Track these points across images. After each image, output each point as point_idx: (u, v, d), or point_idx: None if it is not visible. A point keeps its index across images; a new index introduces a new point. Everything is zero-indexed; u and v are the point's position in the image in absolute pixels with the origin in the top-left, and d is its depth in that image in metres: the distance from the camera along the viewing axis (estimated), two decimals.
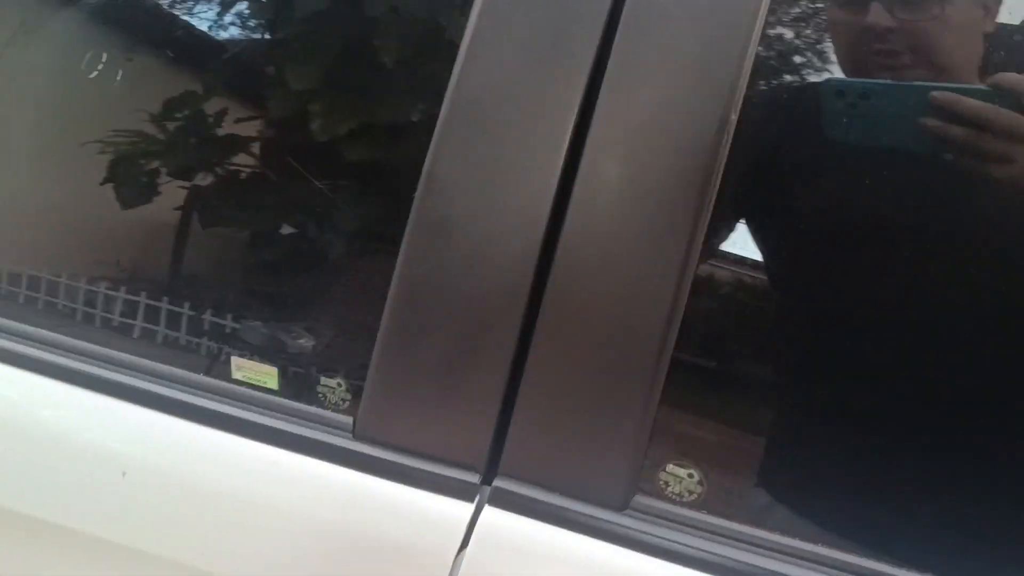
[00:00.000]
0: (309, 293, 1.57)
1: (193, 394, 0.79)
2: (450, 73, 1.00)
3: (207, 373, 1.55)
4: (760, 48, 0.70)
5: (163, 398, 0.78)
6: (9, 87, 1.60)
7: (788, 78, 0.96)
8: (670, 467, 0.73)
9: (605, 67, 0.68)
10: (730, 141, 0.65)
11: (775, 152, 0.83)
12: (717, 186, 0.65)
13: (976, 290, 0.76)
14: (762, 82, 0.94)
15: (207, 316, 1.54)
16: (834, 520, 0.79)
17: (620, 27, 0.67)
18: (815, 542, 0.66)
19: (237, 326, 1.52)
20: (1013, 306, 0.74)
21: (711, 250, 0.79)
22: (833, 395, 0.82)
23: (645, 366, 0.66)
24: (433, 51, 1.37)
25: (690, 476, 0.72)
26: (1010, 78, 0.66)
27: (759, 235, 0.82)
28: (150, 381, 0.80)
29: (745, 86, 0.66)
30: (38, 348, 0.85)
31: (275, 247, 1.54)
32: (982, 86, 0.67)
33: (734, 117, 0.63)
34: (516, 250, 0.67)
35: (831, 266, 0.81)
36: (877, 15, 0.73)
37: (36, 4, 1.58)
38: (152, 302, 1.52)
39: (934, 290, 0.77)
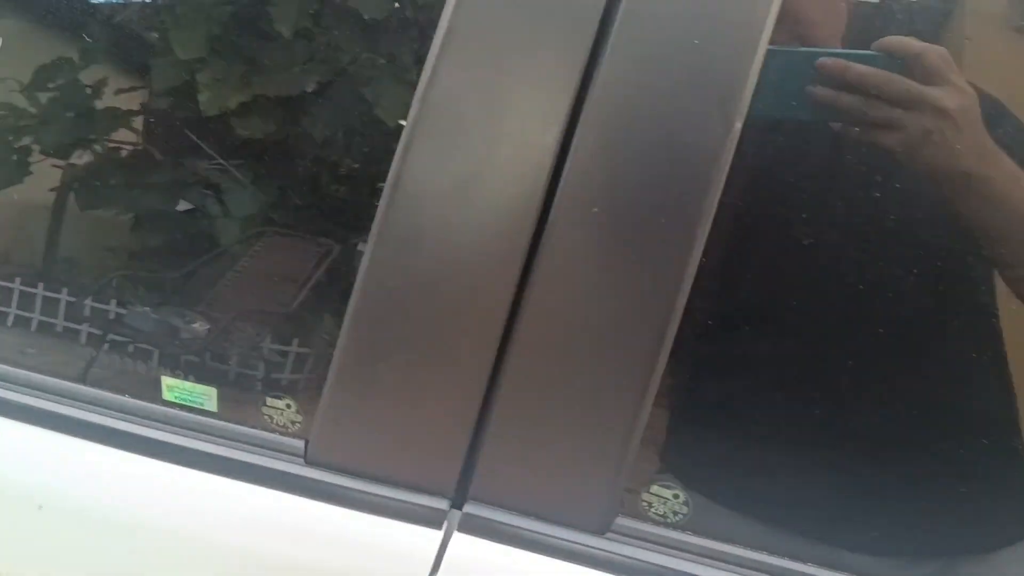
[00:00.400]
0: (201, 277, 1.48)
1: (117, 418, 0.71)
2: (348, 44, 0.95)
3: (88, 369, 1.44)
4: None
5: (81, 422, 0.70)
6: None
7: None
8: (654, 487, 0.71)
9: (599, 63, 0.63)
10: (733, 149, 0.62)
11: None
12: (721, 185, 0.61)
13: (868, 261, 0.76)
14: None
15: (88, 302, 1.43)
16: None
17: (618, 17, 0.62)
18: (814, 563, 0.66)
19: (123, 312, 1.42)
20: (907, 278, 0.75)
21: None
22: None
23: (629, 382, 0.63)
24: (335, 18, 1.30)
25: (675, 496, 0.70)
26: (898, 41, 0.65)
27: None
28: (64, 404, 0.71)
29: (751, 94, 0.62)
30: None
31: (163, 231, 1.44)
32: (871, 51, 0.65)
33: (739, 125, 0.61)
34: (493, 264, 0.63)
35: (719, 247, 0.81)
36: None
37: None
38: (27, 288, 1.40)
39: (825, 266, 0.78)
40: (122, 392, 0.73)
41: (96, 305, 1.39)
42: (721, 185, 0.61)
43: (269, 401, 0.75)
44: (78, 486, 0.69)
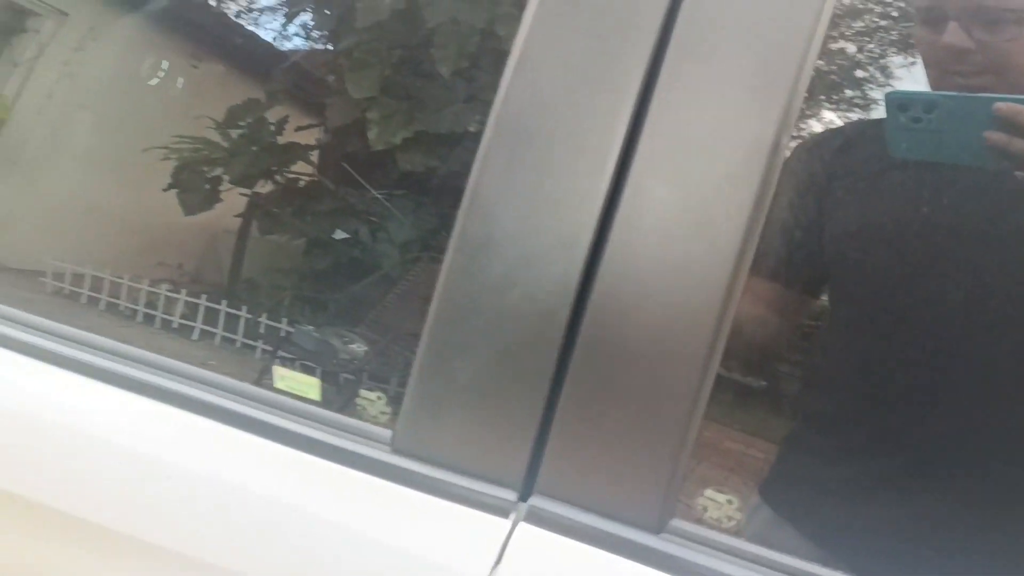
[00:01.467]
0: (362, 300, 1.59)
1: (238, 401, 0.79)
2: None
3: (260, 376, 1.58)
4: (817, 66, 0.69)
5: (207, 404, 0.79)
6: (75, 92, 1.65)
7: (846, 96, 0.95)
8: (709, 492, 0.71)
9: (654, 86, 0.67)
10: (780, 164, 0.64)
11: (831, 172, 0.81)
12: (765, 209, 0.63)
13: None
14: (817, 102, 0.92)
15: (263, 320, 1.57)
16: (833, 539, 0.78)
17: (671, 45, 0.66)
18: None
19: (291, 330, 1.55)
20: None
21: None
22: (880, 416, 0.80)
23: (685, 388, 0.65)
24: (492, 62, 1.37)
25: (729, 502, 0.70)
26: None
27: (813, 256, 0.81)
28: (196, 387, 0.81)
29: (799, 108, 0.64)
30: (91, 352, 0.86)
31: (330, 254, 1.56)
32: None
33: (785, 140, 0.62)
34: (558, 270, 0.67)
35: (891, 285, 0.79)
36: (954, 35, 0.71)
37: (107, 11, 1.63)
38: (212, 304, 1.55)
39: (996, 309, 0.75)
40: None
41: (269, 323, 1.52)
42: (767, 200, 0.62)
43: (363, 393, 0.81)
44: (201, 458, 0.78)
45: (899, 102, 0.69)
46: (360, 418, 0.80)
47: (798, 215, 0.81)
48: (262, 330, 1.59)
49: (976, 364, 0.75)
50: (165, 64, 1.32)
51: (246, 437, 0.77)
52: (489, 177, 0.69)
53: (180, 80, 1.35)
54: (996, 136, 0.64)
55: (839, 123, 0.86)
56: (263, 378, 1.50)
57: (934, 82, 0.74)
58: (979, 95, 0.67)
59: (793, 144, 0.78)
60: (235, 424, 0.78)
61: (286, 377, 0.84)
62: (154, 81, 1.35)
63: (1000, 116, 0.64)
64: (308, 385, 0.83)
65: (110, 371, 0.82)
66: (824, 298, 0.84)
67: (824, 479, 0.81)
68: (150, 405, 0.79)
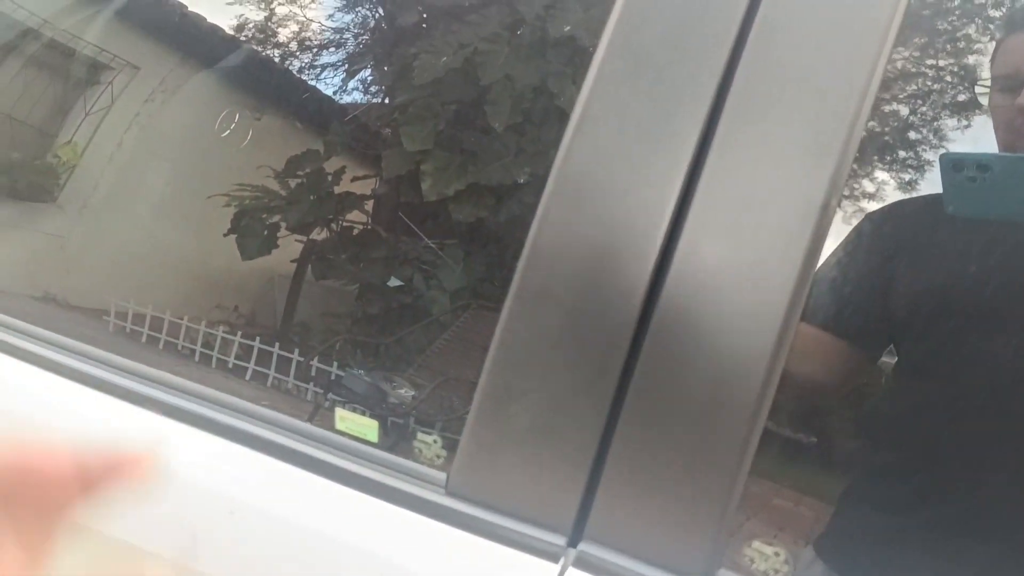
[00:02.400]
0: (411, 346, 1.62)
1: (298, 440, 0.83)
2: (554, 138, 1.04)
3: (311, 418, 1.62)
4: (868, 128, 0.72)
5: (271, 443, 0.82)
6: (143, 140, 1.72)
7: (897, 157, 0.97)
8: (756, 543, 0.73)
9: (710, 146, 0.70)
10: (831, 223, 0.66)
11: (904, 234, 0.84)
12: (815, 267, 0.66)
13: None
14: (869, 165, 0.95)
15: (314, 363, 1.61)
16: None
17: (725, 110, 0.69)
18: None
19: (341, 373, 1.59)
20: None
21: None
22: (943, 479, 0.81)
23: (734, 440, 0.67)
24: (542, 118, 1.42)
25: (776, 555, 0.72)
26: None
27: (880, 315, 0.83)
28: (259, 425, 0.84)
29: (848, 170, 0.67)
30: (151, 386, 0.91)
31: (382, 300, 1.60)
32: None
33: (835, 202, 0.65)
34: (614, 321, 0.70)
35: (957, 342, 0.81)
36: None
37: (177, 66, 1.70)
38: (265, 347, 1.60)
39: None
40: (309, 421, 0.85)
41: (320, 365, 1.56)
42: (817, 258, 0.65)
43: (420, 436, 0.84)
44: (263, 496, 0.81)
45: (953, 162, 0.72)
46: (416, 460, 0.83)
47: (868, 275, 0.84)
48: (313, 372, 1.62)
49: None
50: (236, 116, 1.38)
51: (307, 476, 0.81)
52: (549, 229, 0.72)
53: (250, 132, 1.41)
54: None
55: (890, 183, 0.89)
56: (313, 418, 1.54)
57: (1005, 144, 0.76)
58: None
59: (845, 203, 0.81)
60: (298, 464, 0.81)
61: (346, 419, 0.87)
62: (226, 133, 1.41)
63: None
64: (367, 427, 0.87)
65: (180, 408, 0.86)
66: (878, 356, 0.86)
67: (881, 533, 0.82)
68: (219, 443, 0.83)
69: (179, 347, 1.62)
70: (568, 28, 1.34)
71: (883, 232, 0.83)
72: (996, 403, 0.78)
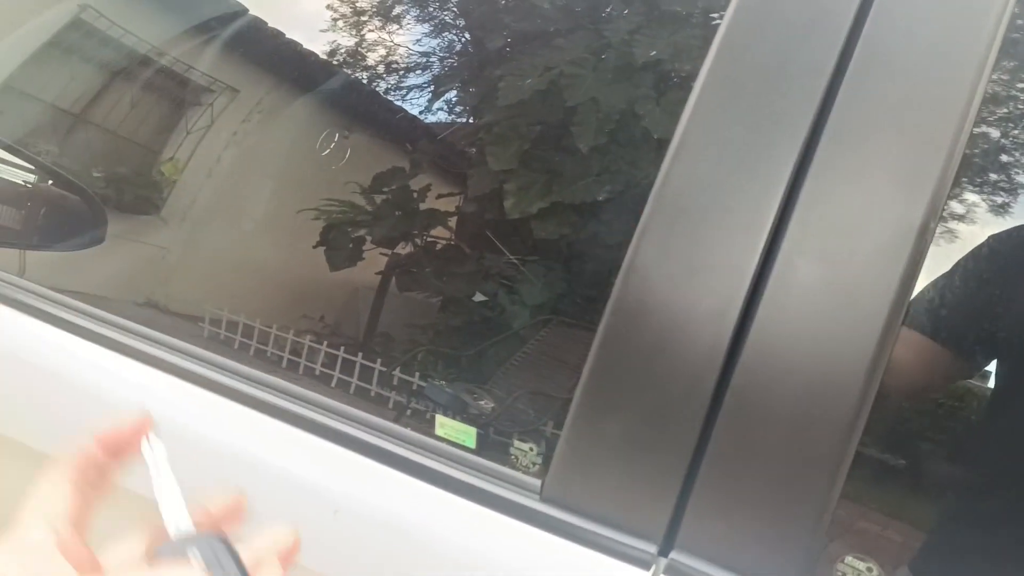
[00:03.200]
0: (492, 359, 1.66)
1: (399, 445, 0.87)
2: (636, 159, 1.09)
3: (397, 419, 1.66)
4: (968, 154, 0.73)
5: (374, 447, 0.87)
6: (241, 158, 1.79)
7: (991, 179, 0.98)
8: (849, 559, 0.75)
9: (807, 169, 0.73)
10: (928, 247, 0.68)
11: (1006, 251, 0.85)
12: (911, 293, 0.68)
13: None
14: (967, 189, 0.96)
15: (397, 373, 1.65)
16: None
17: (823, 137, 0.72)
18: None
19: (424, 384, 1.63)
20: None
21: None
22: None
23: (828, 458, 0.69)
24: (626, 140, 1.45)
25: (869, 570, 0.73)
26: None
27: (985, 338, 0.85)
28: (364, 430, 0.89)
29: (947, 194, 0.69)
30: (251, 386, 0.96)
31: (464, 314, 1.64)
32: None
33: (933, 225, 0.67)
34: (708, 338, 0.73)
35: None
36: None
37: (273, 88, 1.78)
38: (349, 356, 1.65)
39: None
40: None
41: (402, 376, 1.61)
42: (914, 281, 0.67)
43: (517, 443, 0.88)
44: (367, 497, 0.85)
45: None
46: (513, 467, 0.86)
47: (981, 292, 0.85)
48: (395, 382, 1.67)
49: None
50: (336, 136, 1.44)
51: (409, 480, 0.85)
52: (647, 248, 0.75)
53: (347, 151, 1.47)
54: None
55: (986, 206, 0.90)
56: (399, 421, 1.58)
57: None
58: None
59: (941, 226, 0.82)
60: (400, 467, 0.85)
61: (446, 425, 0.91)
62: (326, 152, 1.47)
63: None
64: (465, 434, 0.91)
65: (283, 409, 0.91)
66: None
67: (977, 552, 0.83)
68: (324, 445, 0.88)
69: (268, 354, 1.69)
70: (654, 53, 1.37)
71: (1003, 252, 0.85)
72: None
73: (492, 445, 0.99)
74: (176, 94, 1.76)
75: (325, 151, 1.52)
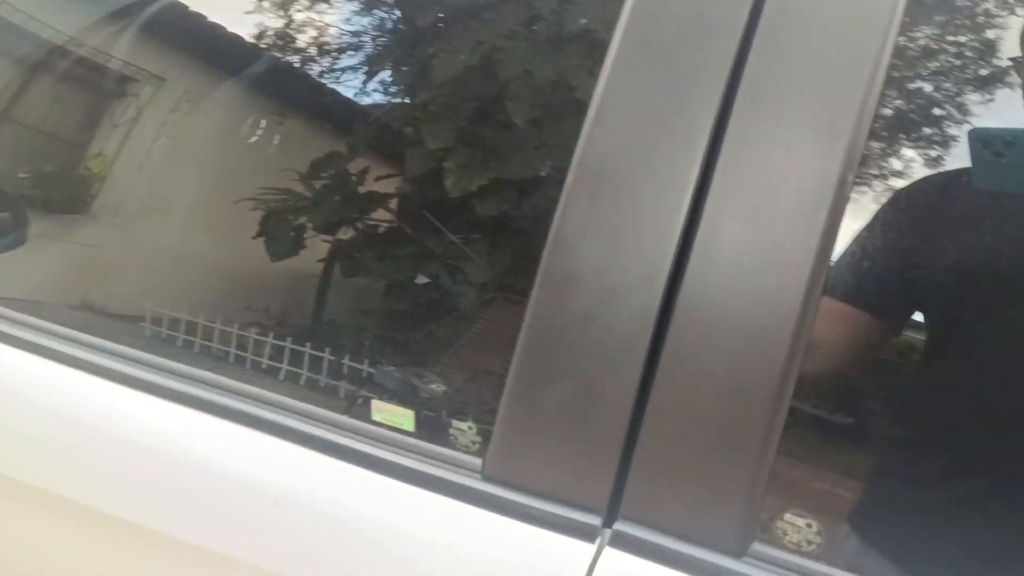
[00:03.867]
0: (441, 340, 1.64)
1: (338, 433, 0.86)
2: (573, 131, 1.07)
3: (347, 412, 1.64)
4: (882, 107, 0.73)
5: (312, 436, 0.85)
6: (170, 149, 1.75)
7: (911, 135, 0.98)
8: (788, 516, 0.74)
9: (725, 129, 0.72)
10: (848, 199, 0.68)
11: (913, 204, 0.85)
12: (834, 246, 0.68)
13: None
14: (884, 141, 0.96)
15: (346, 361, 1.63)
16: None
17: (740, 91, 0.71)
18: None
19: (373, 371, 1.61)
20: None
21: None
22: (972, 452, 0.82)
23: (762, 414, 0.69)
24: (562, 111, 1.44)
25: (808, 526, 0.73)
26: None
27: (906, 289, 0.84)
28: (300, 420, 0.87)
29: (863, 145, 0.69)
30: (194, 385, 0.94)
31: (409, 297, 1.62)
32: None
33: (851, 177, 0.67)
34: (638, 304, 0.72)
35: (984, 313, 0.82)
36: None
37: (200, 75, 1.74)
38: (296, 347, 1.63)
39: None
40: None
41: (351, 364, 1.59)
42: (835, 235, 0.66)
43: (455, 423, 0.87)
44: (307, 487, 0.84)
45: (981, 138, 0.73)
46: (453, 447, 0.85)
47: (895, 248, 0.85)
48: (344, 371, 1.65)
49: None
50: (263, 123, 1.41)
51: (348, 467, 0.83)
52: (572, 217, 0.74)
53: (276, 137, 1.44)
54: None
55: (903, 159, 0.90)
56: (348, 412, 1.55)
57: None
58: None
59: (860, 180, 0.82)
60: (338, 455, 0.84)
61: (383, 410, 0.90)
62: (253, 139, 1.44)
63: None
64: (403, 417, 0.89)
65: (221, 405, 0.89)
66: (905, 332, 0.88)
67: (912, 504, 0.83)
68: (261, 438, 0.86)
69: (213, 350, 1.66)
70: (584, 21, 1.35)
71: (911, 205, 0.84)
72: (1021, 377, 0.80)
73: (433, 425, 0.97)
74: (100, 86, 1.72)
75: (252, 138, 1.48)
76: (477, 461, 0.80)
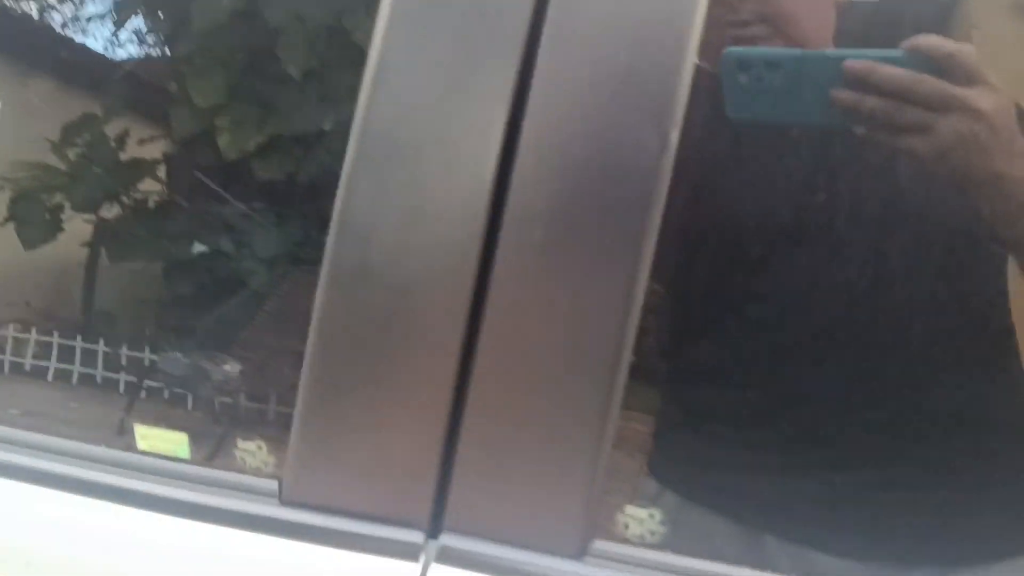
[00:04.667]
0: (231, 320, 1.50)
1: (93, 469, 0.72)
2: (356, 80, 0.94)
3: (128, 411, 1.48)
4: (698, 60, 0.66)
5: (60, 477, 0.71)
6: None
7: None
8: (629, 508, 0.69)
9: (529, 85, 0.63)
10: (672, 156, 0.61)
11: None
12: (660, 207, 0.61)
13: (895, 272, 0.73)
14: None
15: (123, 351, 1.46)
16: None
17: (543, 40, 0.62)
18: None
19: (155, 358, 1.45)
20: (932, 287, 0.72)
21: None
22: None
23: (593, 404, 0.62)
24: (343, 57, 1.31)
25: (651, 516, 0.68)
26: (929, 41, 0.61)
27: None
28: (39, 457, 0.73)
29: (685, 100, 0.61)
30: None
31: (192, 276, 1.47)
32: (897, 52, 0.62)
33: (675, 135, 0.59)
34: (445, 294, 0.62)
35: (737, 256, 0.79)
36: None
37: None
38: (66, 341, 1.44)
39: (849, 276, 0.75)
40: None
41: (131, 354, 1.42)
42: (662, 198, 0.59)
43: (241, 444, 0.75)
44: (58, 538, 0.70)
45: (739, 61, 0.65)
46: (241, 471, 0.74)
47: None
48: (124, 362, 1.49)
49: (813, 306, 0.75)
50: None
51: (111, 507, 0.70)
52: (358, 200, 0.63)
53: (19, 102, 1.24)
54: (844, 95, 0.61)
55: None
56: (129, 415, 1.40)
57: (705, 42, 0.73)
58: (828, 52, 0.65)
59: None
60: (97, 495, 0.70)
61: (148, 436, 0.76)
62: None
63: (851, 73, 0.62)
64: (175, 442, 0.76)
65: None
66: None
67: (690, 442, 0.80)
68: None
69: None
70: None
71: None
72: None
73: (216, 445, 0.85)
74: None
75: None
76: (272, 484, 0.69)
